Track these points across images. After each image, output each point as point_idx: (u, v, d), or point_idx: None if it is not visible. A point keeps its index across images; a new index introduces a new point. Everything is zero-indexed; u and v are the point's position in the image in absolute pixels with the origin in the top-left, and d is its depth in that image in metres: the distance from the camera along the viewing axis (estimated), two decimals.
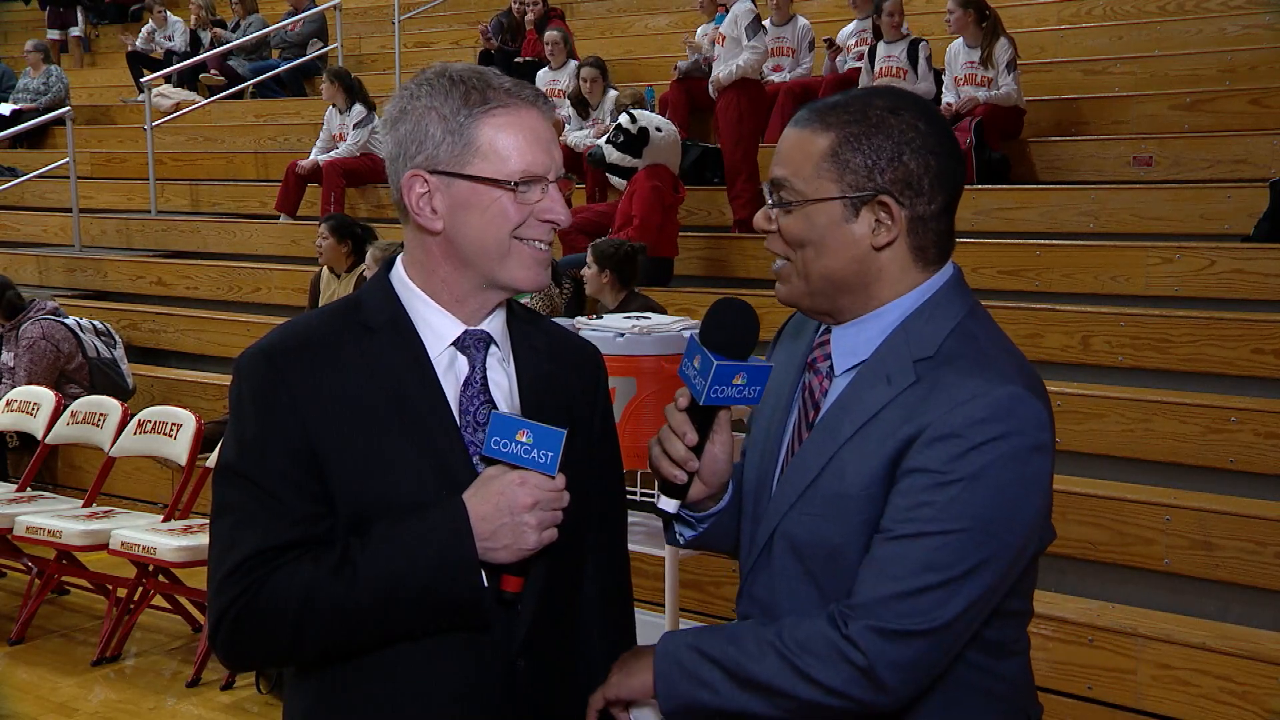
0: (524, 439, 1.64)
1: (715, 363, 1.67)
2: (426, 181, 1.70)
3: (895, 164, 1.65)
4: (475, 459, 1.70)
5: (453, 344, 1.74)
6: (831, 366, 1.74)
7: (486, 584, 1.66)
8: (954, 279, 1.73)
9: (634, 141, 6.89)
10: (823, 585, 1.67)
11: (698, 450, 1.74)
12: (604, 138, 7.19)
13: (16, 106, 12.10)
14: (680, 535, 1.87)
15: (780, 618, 1.69)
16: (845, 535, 1.65)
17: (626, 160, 6.92)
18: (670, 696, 1.70)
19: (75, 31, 15.10)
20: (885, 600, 1.57)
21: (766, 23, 8.25)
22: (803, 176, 1.67)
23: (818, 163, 1.66)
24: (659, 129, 6.94)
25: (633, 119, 6.94)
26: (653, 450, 1.75)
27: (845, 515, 1.65)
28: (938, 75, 7.85)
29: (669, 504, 1.77)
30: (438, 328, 1.74)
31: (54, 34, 14.96)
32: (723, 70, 7.39)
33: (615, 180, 7.20)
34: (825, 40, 8.76)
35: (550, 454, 1.63)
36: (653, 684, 1.71)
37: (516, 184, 1.69)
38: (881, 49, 7.98)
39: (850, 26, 8.76)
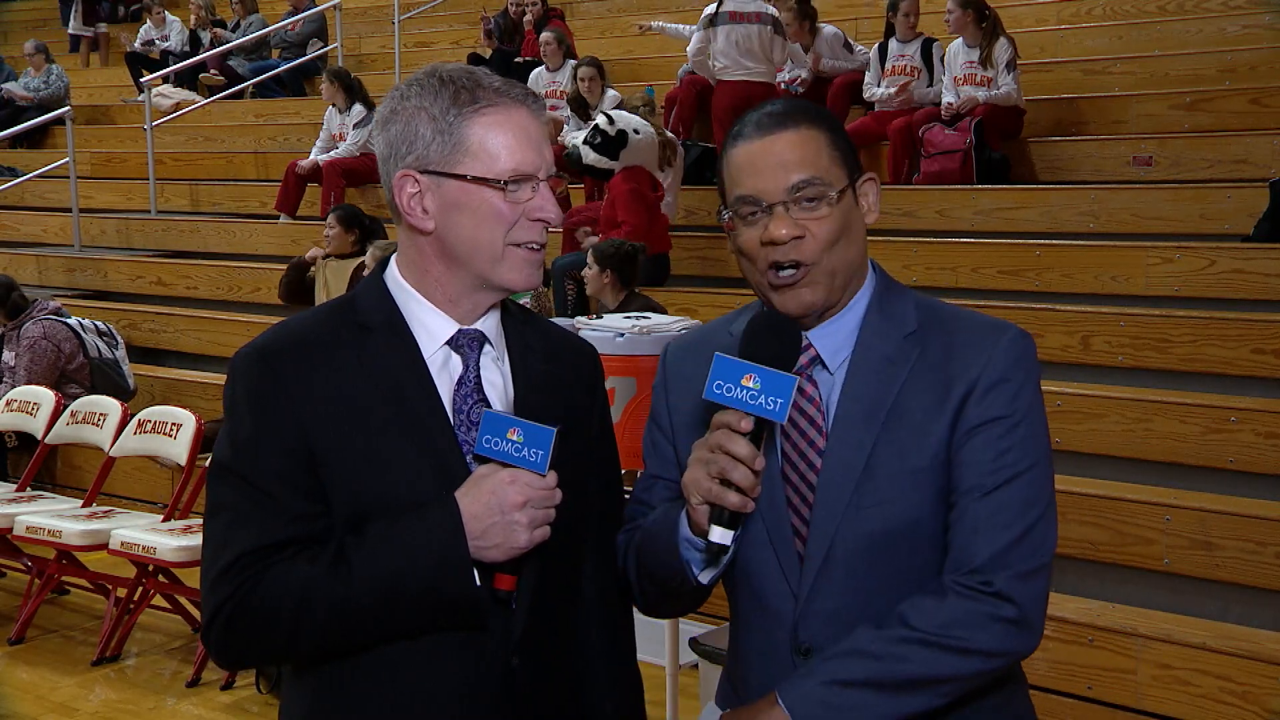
0: (515, 437, 1.63)
1: (795, 377, 1.62)
2: (417, 181, 1.70)
3: (854, 150, 1.79)
4: (469, 458, 1.70)
5: (446, 343, 1.74)
6: (814, 369, 1.75)
7: (480, 583, 1.66)
8: (873, 261, 1.84)
9: (611, 143, 6.76)
10: (897, 569, 1.69)
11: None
12: (580, 138, 7.00)
13: (25, 93, 12.08)
14: (705, 573, 1.74)
15: (854, 621, 1.69)
16: (922, 507, 1.69)
17: (603, 162, 6.78)
18: None
19: (102, 28, 15.03)
20: (1010, 547, 1.66)
21: None
22: (826, 170, 1.71)
23: (831, 154, 1.73)
24: (636, 131, 6.81)
25: (610, 120, 6.81)
26: (704, 484, 1.63)
27: (920, 488, 1.69)
28: None
29: (724, 535, 1.64)
30: (432, 327, 1.74)
31: (88, 31, 14.89)
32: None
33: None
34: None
35: (540, 452, 1.63)
36: None
37: (506, 183, 1.69)
38: (894, 47, 7.95)
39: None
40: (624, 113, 7.11)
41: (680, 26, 8.96)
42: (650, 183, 6.87)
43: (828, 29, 8.46)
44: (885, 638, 1.66)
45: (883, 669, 1.64)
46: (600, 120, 6.87)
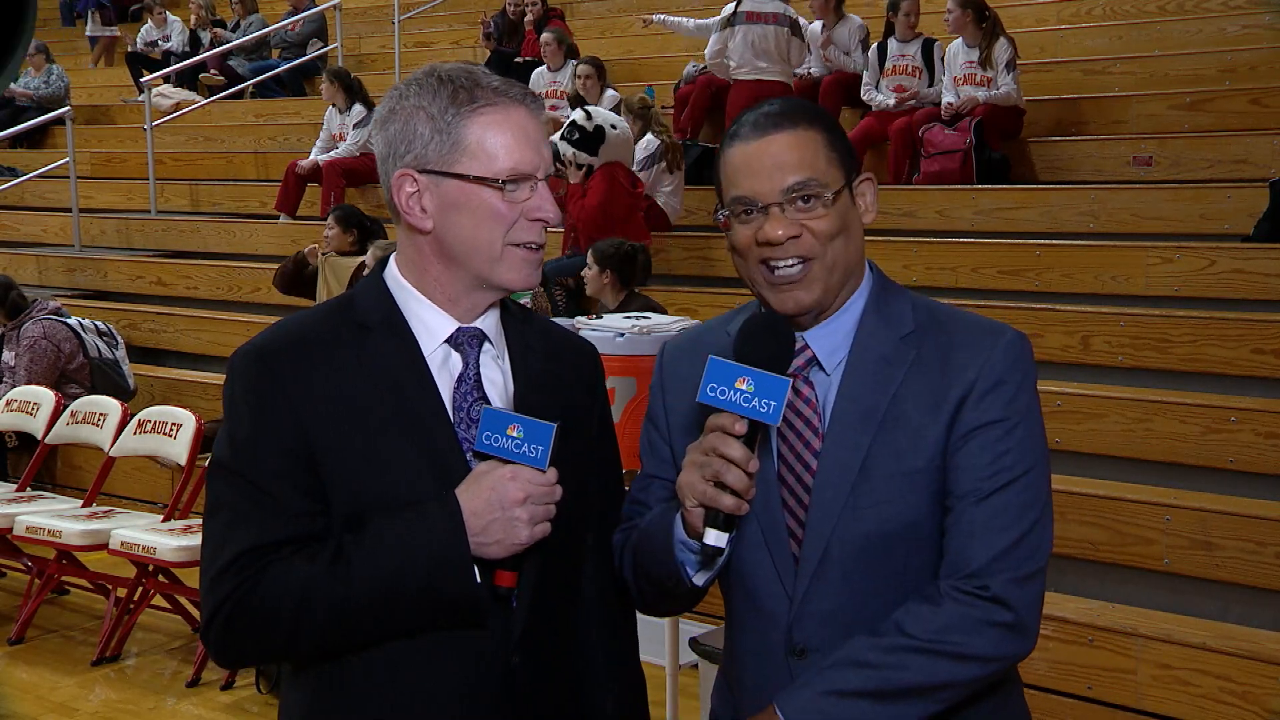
0: (514, 433, 1.64)
1: (789, 379, 1.62)
2: (416, 181, 1.70)
3: (852, 149, 1.79)
4: (469, 455, 1.70)
5: (446, 341, 1.74)
6: (810, 370, 1.74)
7: (480, 580, 1.66)
8: (870, 261, 1.83)
9: (589, 139, 6.69)
10: (893, 571, 1.69)
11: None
12: (558, 135, 6.88)
13: (25, 92, 12.06)
14: (700, 575, 1.75)
15: (849, 623, 1.68)
16: (918, 509, 1.69)
17: (582, 158, 6.71)
18: None
19: (115, 30, 15.04)
20: (1008, 551, 1.66)
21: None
22: (823, 171, 1.71)
23: (828, 154, 1.72)
24: (614, 126, 6.75)
25: (588, 115, 6.74)
26: (698, 487, 1.63)
27: (916, 490, 1.69)
28: None
29: (719, 538, 1.64)
30: (431, 325, 1.74)
31: (107, 32, 14.87)
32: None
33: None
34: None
35: (540, 448, 1.63)
36: None
37: (504, 182, 1.69)
38: (894, 47, 7.93)
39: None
40: (600, 109, 7.06)
41: (683, 20, 8.94)
42: (630, 178, 6.84)
43: (855, 20, 8.36)
44: (882, 646, 1.65)
45: (880, 678, 1.64)
46: (577, 116, 6.79)
